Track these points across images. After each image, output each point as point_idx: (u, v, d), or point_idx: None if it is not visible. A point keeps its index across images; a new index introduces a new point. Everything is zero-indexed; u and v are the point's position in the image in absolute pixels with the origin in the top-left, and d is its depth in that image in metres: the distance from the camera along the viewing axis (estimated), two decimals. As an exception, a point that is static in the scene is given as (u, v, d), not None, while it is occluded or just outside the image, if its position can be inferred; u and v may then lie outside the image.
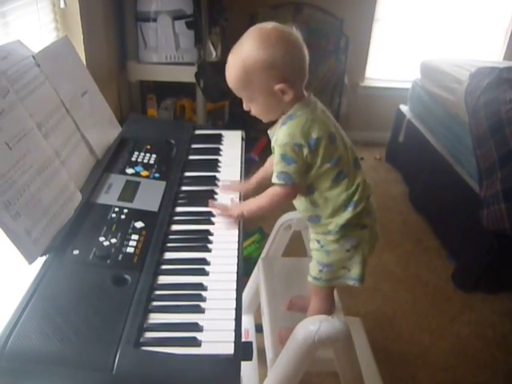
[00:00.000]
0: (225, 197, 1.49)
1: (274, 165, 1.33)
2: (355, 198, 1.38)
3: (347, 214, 1.38)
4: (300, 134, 1.27)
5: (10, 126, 1.12)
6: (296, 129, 1.28)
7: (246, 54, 1.24)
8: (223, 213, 1.38)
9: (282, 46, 1.24)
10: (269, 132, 1.40)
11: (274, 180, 1.32)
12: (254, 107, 1.33)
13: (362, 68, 4.35)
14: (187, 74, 2.82)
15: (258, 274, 1.93)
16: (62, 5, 2.03)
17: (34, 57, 1.36)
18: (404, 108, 3.96)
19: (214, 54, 3.07)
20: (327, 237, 1.43)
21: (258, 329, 1.91)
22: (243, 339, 1.92)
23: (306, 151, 1.28)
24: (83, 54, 2.20)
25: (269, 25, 1.27)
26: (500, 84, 2.83)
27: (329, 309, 1.57)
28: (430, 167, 3.38)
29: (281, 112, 1.33)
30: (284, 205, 1.41)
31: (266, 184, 1.47)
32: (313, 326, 1.33)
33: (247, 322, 2.06)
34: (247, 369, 1.83)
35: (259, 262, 1.94)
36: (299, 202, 1.45)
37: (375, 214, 1.47)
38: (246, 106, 1.35)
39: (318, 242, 1.47)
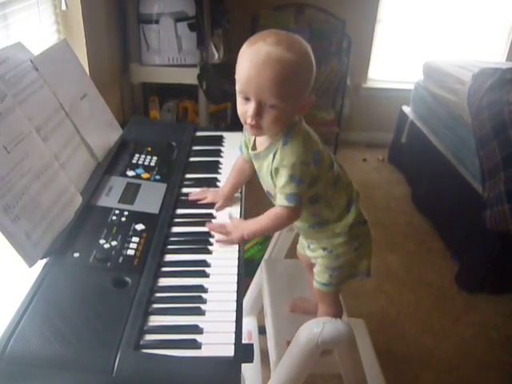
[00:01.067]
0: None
1: (279, 188, 1.24)
2: (353, 196, 1.41)
3: (352, 214, 1.40)
4: (305, 150, 1.22)
5: (7, 130, 1.13)
6: (300, 146, 1.22)
7: (303, 51, 1.15)
8: (223, 238, 1.31)
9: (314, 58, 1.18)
10: (254, 153, 1.32)
11: (283, 203, 1.24)
12: (272, 113, 1.16)
13: (365, 69, 4.35)
14: (190, 76, 2.82)
15: (260, 276, 1.93)
16: (64, 7, 2.03)
17: (31, 61, 1.36)
18: (406, 109, 3.95)
19: (217, 55, 3.07)
20: (335, 240, 1.42)
21: (261, 331, 1.90)
22: (246, 341, 1.93)
23: (312, 167, 1.24)
24: (85, 56, 2.19)
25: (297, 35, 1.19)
26: (503, 85, 2.82)
27: (339, 313, 1.57)
28: (433, 168, 3.37)
29: (282, 127, 1.23)
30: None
31: (237, 190, 1.50)
32: (316, 328, 1.33)
33: (250, 323, 2.06)
34: (250, 371, 1.83)
35: (262, 264, 1.94)
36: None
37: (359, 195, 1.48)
38: (255, 112, 1.16)
39: (325, 248, 1.45)
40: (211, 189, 1.50)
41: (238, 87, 1.18)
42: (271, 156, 1.25)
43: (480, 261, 2.68)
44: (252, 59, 1.12)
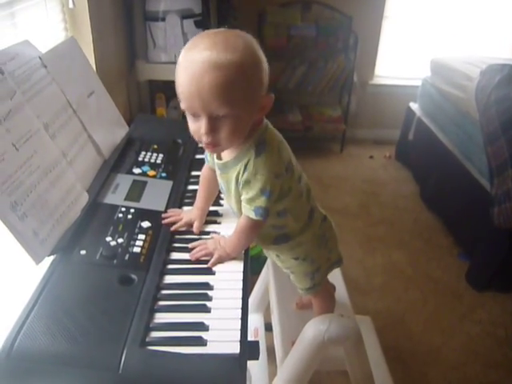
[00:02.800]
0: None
1: (246, 198, 1.16)
2: (312, 201, 1.36)
3: (314, 222, 1.37)
4: (278, 162, 1.15)
5: (17, 127, 1.13)
6: (275, 158, 1.14)
7: (243, 47, 1.01)
8: (207, 257, 1.22)
9: (263, 53, 1.08)
10: (221, 162, 1.21)
11: (251, 215, 1.16)
12: (228, 124, 1.05)
13: (372, 66, 4.34)
14: (196, 74, 2.81)
15: (267, 273, 1.93)
16: (71, 5, 2.04)
17: (40, 58, 1.37)
18: (414, 106, 3.94)
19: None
20: (305, 247, 1.39)
21: (268, 328, 1.90)
22: (253, 338, 1.93)
23: (282, 179, 1.16)
24: (92, 54, 2.20)
25: (236, 30, 1.07)
26: (511, 81, 2.80)
27: (332, 304, 1.59)
28: (441, 165, 3.36)
29: (245, 135, 1.13)
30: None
31: (211, 203, 1.40)
32: (322, 325, 1.33)
33: (257, 320, 2.06)
34: (257, 368, 1.84)
35: (268, 261, 1.94)
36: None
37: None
38: (209, 128, 1.05)
39: (297, 258, 1.42)
40: (184, 209, 1.40)
41: (182, 105, 1.06)
42: (241, 166, 1.15)
43: (489, 258, 2.68)
44: (188, 71, 1.00)
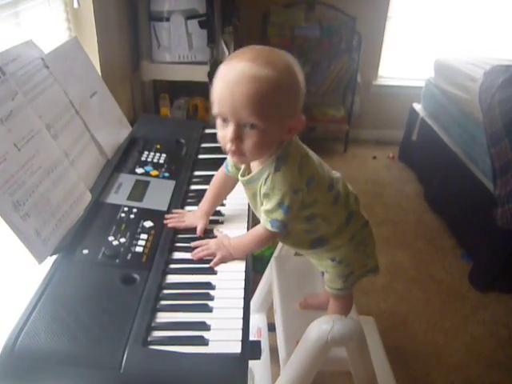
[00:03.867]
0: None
1: (265, 210, 1.18)
2: (352, 207, 1.37)
3: (351, 228, 1.37)
4: (298, 178, 1.15)
5: (18, 128, 1.14)
6: (294, 173, 1.15)
7: (284, 67, 1.05)
8: (206, 252, 1.23)
9: (303, 77, 1.10)
10: (246, 179, 1.23)
11: (267, 226, 1.19)
12: (254, 136, 1.07)
13: (375, 66, 4.32)
14: (200, 74, 2.82)
15: (270, 273, 1.93)
16: (76, 5, 2.04)
17: (42, 59, 1.37)
18: (417, 106, 3.93)
19: (227, 53, 3.07)
20: (340, 251, 1.40)
21: (271, 328, 1.90)
22: (256, 338, 1.93)
23: (303, 194, 1.17)
24: (96, 53, 2.20)
25: (282, 51, 1.10)
26: (515, 82, 2.80)
27: (349, 311, 1.57)
28: (444, 166, 3.35)
29: (270, 152, 1.15)
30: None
31: (216, 207, 1.41)
32: (326, 325, 1.32)
33: (260, 320, 2.06)
34: (260, 368, 1.83)
35: (272, 261, 1.94)
36: (293, 237, 1.36)
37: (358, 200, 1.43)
38: (235, 135, 1.06)
39: (333, 259, 1.42)
40: (188, 211, 1.39)
41: (214, 110, 1.08)
42: (262, 180, 1.17)
43: (492, 259, 2.67)
44: (225, 77, 1.04)
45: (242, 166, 1.25)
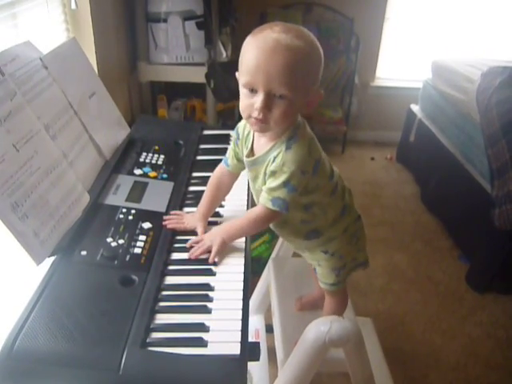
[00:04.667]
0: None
1: (268, 188, 1.18)
2: (347, 200, 1.39)
3: (347, 218, 1.39)
4: (308, 159, 1.17)
5: (17, 128, 1.13)
6: (304, 152, 1.16)
7: (311, 40, 1.09)
8: (202, 249, 1.22)
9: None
10: (251, 159, 1.24)
11: (267, 204, 1.18)
12: (282, 105, 1.09)
13: (373, 67, 4.34)
14: (197, 75, 2.82)
15: (268, 274, 1.93)
16: (73, 6, 2.04)
17: (41, 59, 1.37)
18: (415, 107, 3.94)
19: (225, 54, 3.07)
20: (333, 243, 1.40)
21: (269, 329, 1.90)
22: (253, 339, 1.93)
23: (309, 176, 1.18)
24: (94, 55, 2.20)
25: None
26: (512, 83, 2.81)
27: (344, 308, 1.58)
28: (442, 167, 3.36)
29: (291, 123, 1.18)
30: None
31: (215, 208, 1.40)
32: (323, 326, 1.32)
33: (258, 322, 2.06)
34: (258, 369, 1.83)
35: (269, 262, 1.94)
36: (289, 226, 1.36)
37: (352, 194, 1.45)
38: (264, 104, 1.08)
39: (326, 252, 1.42)
40: (187, 213, 1.38)
41: (243, 79, 1.09)
42: (270, 159, 1.18)
43: (489, 260, 2.67)
44: (259, 47, 1.06)
45: (248, 149, 1.26)
